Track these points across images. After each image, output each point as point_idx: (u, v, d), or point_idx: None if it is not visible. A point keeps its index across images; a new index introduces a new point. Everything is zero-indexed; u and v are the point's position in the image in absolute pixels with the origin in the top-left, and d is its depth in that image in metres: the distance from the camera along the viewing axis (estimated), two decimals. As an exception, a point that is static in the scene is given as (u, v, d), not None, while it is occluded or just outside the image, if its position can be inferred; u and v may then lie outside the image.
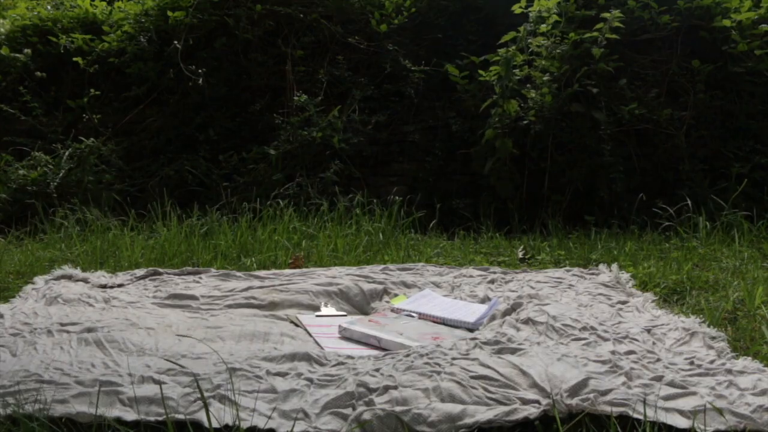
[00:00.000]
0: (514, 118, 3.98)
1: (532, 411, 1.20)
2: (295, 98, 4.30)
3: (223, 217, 3.59)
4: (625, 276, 2.36)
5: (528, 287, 2.28)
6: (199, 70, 4.47)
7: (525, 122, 3.99)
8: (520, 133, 4.00)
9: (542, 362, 1.37)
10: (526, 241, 3.40)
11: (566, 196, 3.97)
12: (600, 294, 2.17)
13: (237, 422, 1.16)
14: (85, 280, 2.40)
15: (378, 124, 4.39)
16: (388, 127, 4.44)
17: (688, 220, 3.44)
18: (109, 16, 4.88)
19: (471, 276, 2.51)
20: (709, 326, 1.73)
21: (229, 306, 2.14)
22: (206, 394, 1.26)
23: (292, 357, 1.49)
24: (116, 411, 1.22)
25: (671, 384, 1.32)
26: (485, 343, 1.54)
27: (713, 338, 1.62)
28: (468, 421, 1.18)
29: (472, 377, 1.31)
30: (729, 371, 1.39)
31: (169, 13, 4.59)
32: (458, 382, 1.28)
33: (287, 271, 2.57)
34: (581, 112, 3.93)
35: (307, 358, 1.48)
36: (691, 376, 1.37)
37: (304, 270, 2.57)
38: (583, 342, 1.59)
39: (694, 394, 1.28)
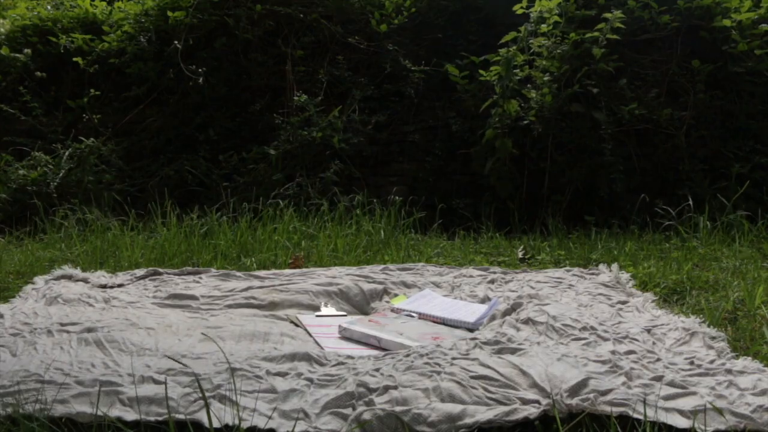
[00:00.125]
0: (514, 118, 3.98)
1: (532, 411, 1.20)
2: (295, 98, 4.30)
3: (223, 217, 3.59)
4: (625, 276, 2.36)
5: (528, 287, 2.28)
6: (199, 70, 4.47)
7: (525, 122, 3.99)
8: (520, 133, 4.00)
9: (542, 362, 1.37)
10: (526, 241, 3.40)
11: (566, 196, 3.97)
12: (600, 294, 2.17)
13: (238, 422, 1.16)
14: (85, 280, 2.40)
15: (378, 124, 4.39)
16: (388, 127, 4.44)
17: (688, 220, 3.44)
18: (109, 16, 4.89)
19: (471, 276, 2.51)
20: (709, 326, 1.73)
21: (229, 306, 2.14)
22: (206, 394, 1.26)
23: (292, 357, 1.49)
24: (116, 411, 1.22)
25: (671, 384, 1.32)
26: (485, 343, 1.54)
27: (713, 338, 1.62)
28: (468, 421, 1.18)
29: (472, 377, 1.31)
30: (729, 371, 1.39)
31: (169, 13, 4.59)
32: (458, 382, 1.28)
33: (287, 271, 2.57)
34: (581, 112, 3.93)
35: (307, 358, 1.48)
36: (691, 376, 1.37)
37: (304, 270, 2.57)
38: (583, 342, 1.59)
39: (694, 394, 1.28)
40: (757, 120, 4.05)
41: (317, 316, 2.08)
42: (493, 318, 1.90)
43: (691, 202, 3.51)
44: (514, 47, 3.98)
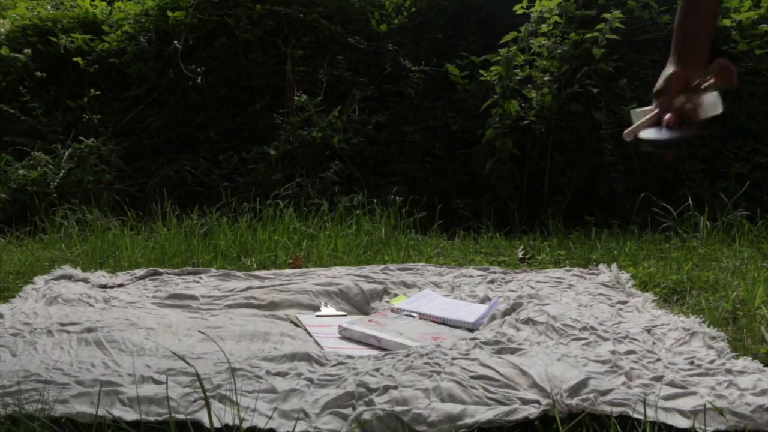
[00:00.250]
0: (514, 118, 3.98)
1: (532, 411, 1.20)
2: (295, 98, 4.30)
3: (223, 217, 3.59)
4: (625, 276, 2.36)
5: (528, 287, 2.28)
6: (199, 70, 4.47)
7: (525, 122, 3.99)
8: (520, 133, 4.00)
9: (542, 362, 1.37)
10: (526, 241, 3.40)
11: (566, 196, 3.97)
12: (600, 294, 2.17)
13: (238, 422, 1.16)
14: (85, 280, 2.40)
15: (378, 124, 4.38)
16: (388, 127, 4.44)
17: (688, 219, 3.44)
18: (109, 16, 4.88)
19: (471, 276, 2.51)
20: (709, 326, 1.72)
21: (229, 306, 2.14)
22: (207, 394, 1.26)
23: (292, 357, 1.49)
24: (116, 411, 1.22)
25: (671, 384, 1.32)
26: (485, 343, 1.54)
27: (713, 338, 1.62)
28: (468, 421, 1.18)
29: (472, 377, 1.31)
30: (729, 371, 1.39)
31: (169, 13, 4.59)
32: (458, 382, 1.28)
33: (287, 271, 2.57)
34: (581, 112, 3.93)
35: (307, 358, 1.48)
36: (691, 376, 1.37)
37: (304, 270, 2.57)
38: (583, 342, 1.59)
39: (694, 394, 1.28)
40: (757, 120, 4.05)
41: (317, 316, 2.08)
42: (493, 318, 1.90)
43: (691, 202, 3.51)
44: (515, 47, 3.98)
